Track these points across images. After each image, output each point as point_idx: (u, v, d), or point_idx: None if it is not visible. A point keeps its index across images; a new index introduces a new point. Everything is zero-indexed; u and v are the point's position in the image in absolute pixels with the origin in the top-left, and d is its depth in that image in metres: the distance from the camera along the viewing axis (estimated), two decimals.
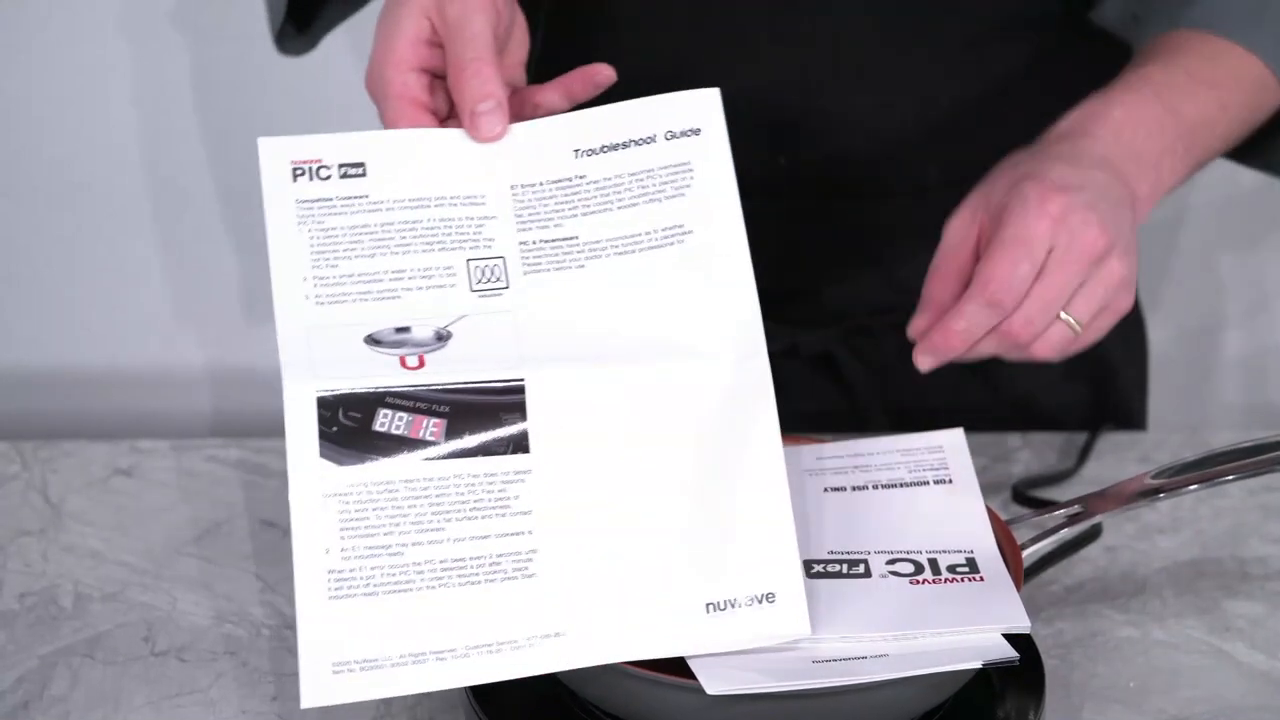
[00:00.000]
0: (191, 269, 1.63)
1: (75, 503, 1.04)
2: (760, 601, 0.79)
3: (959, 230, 0.90)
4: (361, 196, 0.83)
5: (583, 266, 0.83)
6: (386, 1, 0.90)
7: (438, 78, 0.88)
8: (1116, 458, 1.09)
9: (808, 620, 0.78)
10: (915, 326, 0.90)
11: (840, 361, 1.15)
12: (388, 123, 0.88)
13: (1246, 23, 1.01)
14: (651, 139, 0.85)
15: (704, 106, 0.85)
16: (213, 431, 1.63)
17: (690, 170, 0.84)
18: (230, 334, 1.65)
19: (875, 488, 0.89)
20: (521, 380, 0.80)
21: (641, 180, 0.84)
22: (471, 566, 0.78)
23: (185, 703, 0.87)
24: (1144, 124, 0.94)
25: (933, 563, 0.84)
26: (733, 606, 0.79)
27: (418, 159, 0.84)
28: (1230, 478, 0.89)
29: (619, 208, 0.84)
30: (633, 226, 0.83)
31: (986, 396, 1.14)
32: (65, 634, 0.93)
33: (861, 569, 0.84)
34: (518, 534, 0.78)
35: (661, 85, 0.87)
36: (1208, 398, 1.66)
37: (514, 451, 0.79)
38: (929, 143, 1.09)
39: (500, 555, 0.78)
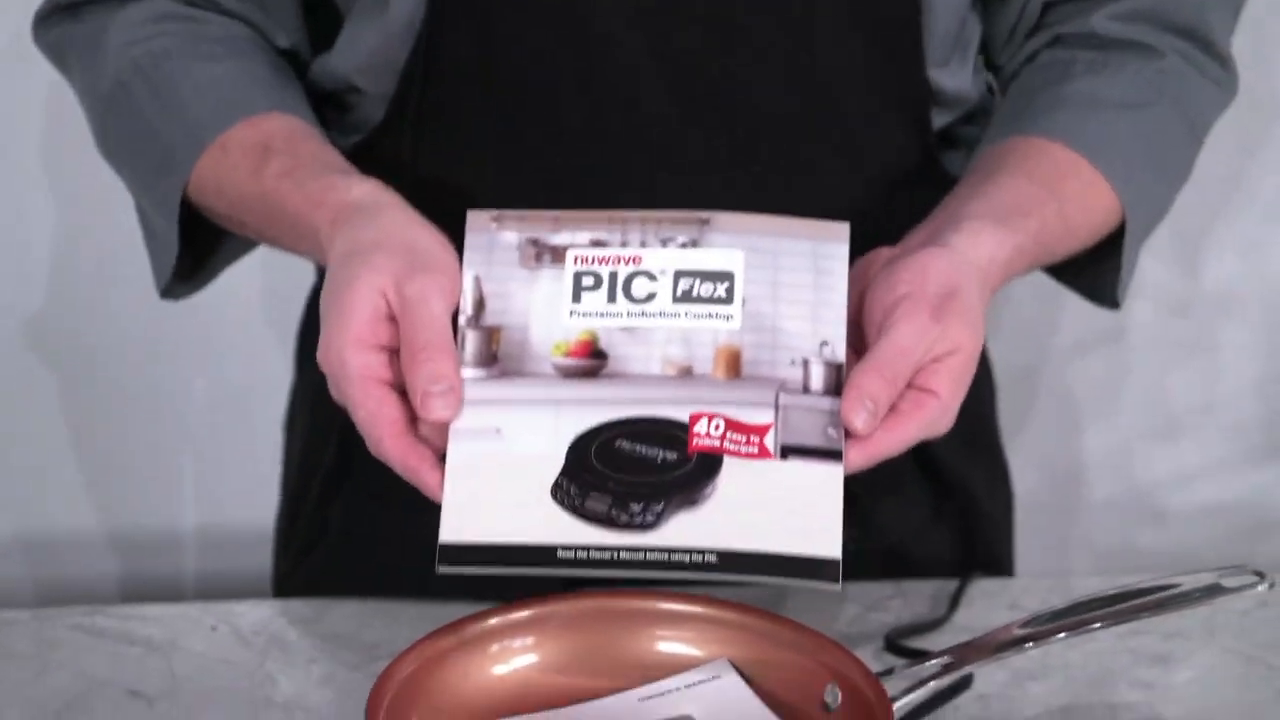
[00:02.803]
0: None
1: None
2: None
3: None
4: None
5: None
6: (333, 275, 0.90)
7: (396, 353, 0.88)
8: (986, 604, 1.10)
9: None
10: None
11: None
12: (353, 404, 0.88)
13: (1101, 146, 1.04)
14: None
15: None
16: (77, 598, 1.60)
17: None
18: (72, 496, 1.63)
19: None
20: None
21: None
22: None
23: None
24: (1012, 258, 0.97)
25: None
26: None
27: None
28: (1097, 625, 0.90)
29: None
30: None
31: (857, 543, 1.15)
32: None
33: None
34: None
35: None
36: (1073, 542, 1.68)
37: None
38: None
39: None
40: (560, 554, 0.85)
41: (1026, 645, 0.90)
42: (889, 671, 0.91)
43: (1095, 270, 1.09)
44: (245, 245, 1.14)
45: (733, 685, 0.92)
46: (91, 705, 0.99)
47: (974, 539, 1.22)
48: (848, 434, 0.87)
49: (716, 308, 0.91)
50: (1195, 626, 1.06)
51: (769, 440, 0.87)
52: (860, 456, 0.87)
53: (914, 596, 1.11)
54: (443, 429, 0.88)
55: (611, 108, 1.03)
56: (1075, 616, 0.91)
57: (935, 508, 1.20)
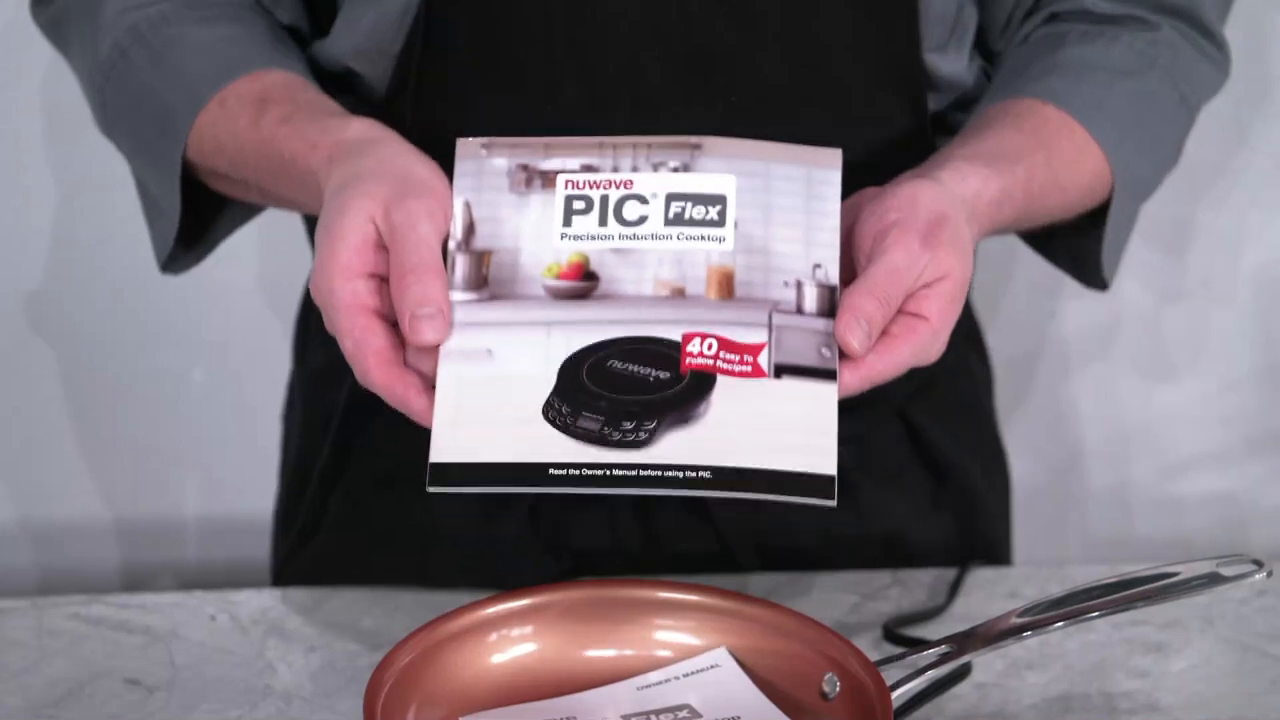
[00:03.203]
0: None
1: None
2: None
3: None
4: None
5: None
6: (325, 206, 0.90)
7: (386, 280, 0.88)
8: (985, 593, 1.10)
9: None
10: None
11: (710, 502, 1.15)
12: (340, 333, 0.87)
13: (1092, 109, 1.05)
14: None
15: None
16: (77, 586, 1.60)
17: None
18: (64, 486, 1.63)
19: None
20: None
21: None
22: None
23: None
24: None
25: None
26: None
27: None
28: (1095, 614, 0.90)
29: None
30: None
31: (855, 531, 1.15)
32: None
33: None
34: None
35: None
36: (1071, 530, 1.68)
37: None
38: None
39: None
40: (552, 472, 0.85)
41: (1024, 634, 0.90)
42: (887, 660, 0.91)
43: (1085, 245, 1.10)
44: (245, 213, 1.13)
45: (731, 674, 0.92)
46: (90, 694, 0.99)
47: (972, 527, 1.22)
48: (842, 355, 0.87)
49: (709, 230, 0.90)
50: (1193, 615, 1.06)
51: (762, 359, 0.87)
52: (855, 379, 0.88)
53: (912, 585, 1.11)
54: (432, 354, 0.87)
55: (610, 81, 1.03)
56: (1073, 605, 0.91)
57: (933, 495, 1.20)
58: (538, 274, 0.90)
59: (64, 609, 1.07)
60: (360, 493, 1.17)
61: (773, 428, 0.85)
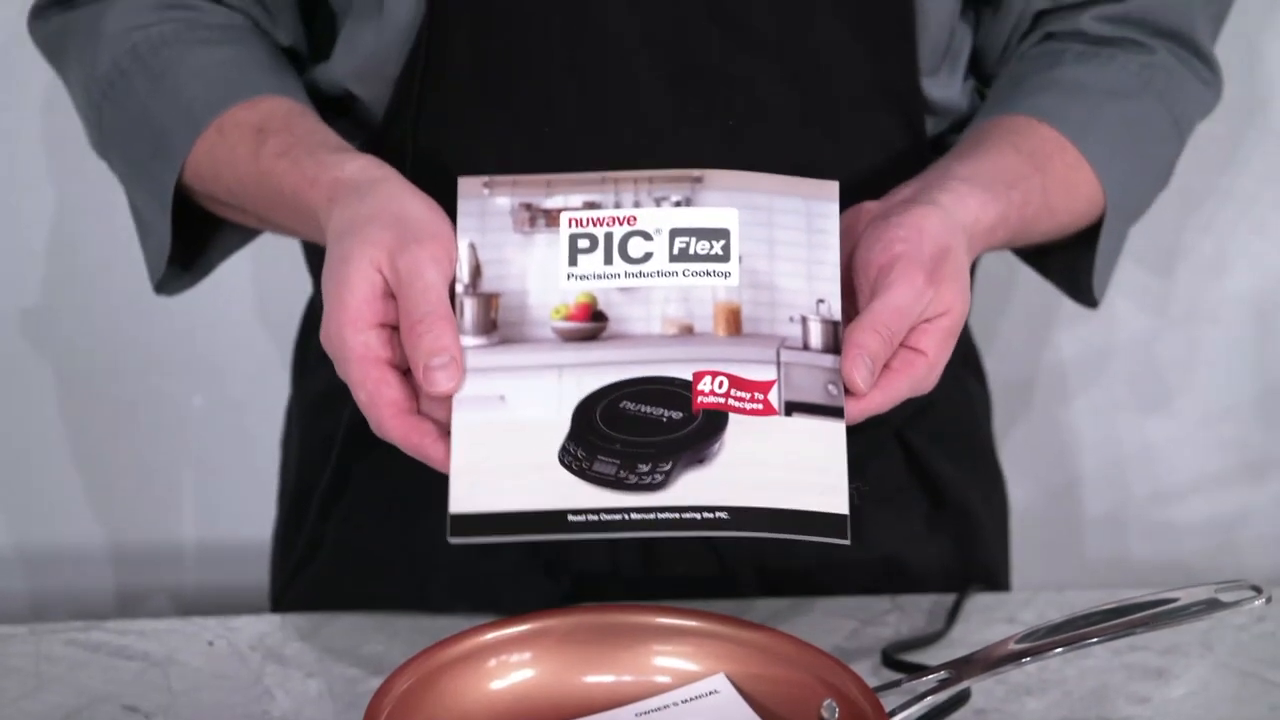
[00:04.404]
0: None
1: None
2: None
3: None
4: None
5: None
6: (329, 254, 0.90)
7: (396, 329, 0.88)
8: (984, 618, 1.10)
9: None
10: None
11: None
12: (353, 384, 0.87)
13: (1085, 130, 1.06)
14: None
15: None
16: (74, 612, 1.60)
17: None
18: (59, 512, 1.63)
19: None
20: None
21: None
22: None
23: None
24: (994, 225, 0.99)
25: None
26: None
27: None
28: (1094, 640, 0.90)
29: None
30: None
31: (853, 554, 1.15)
32: None
33: None
34: None
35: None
36: (1070, 556, 1.68)
37: None
38: None
39: None
40: (571, 518, 0.85)
41: (1024, 660, 0.90)
42: (886, 686, 0.91)
43: (1077, 263, 1.10)
44: (241, 237, 1.13)
45: (730, 700, 0.92)
46: None
47: (970, 550, 1.22)
48: (846, 391, 0.88)
49: (714, 265, 0.91)
50: (1192, 641, 1.06)
51: (773, 397, 0.88)
52: (854, 411, 0.88)
53: (911, 611, 1.11)
54: (446, 401, 0.87)
55: (609, 102, 1.03)
56: (1072, 631, 0.91)
57: (931, 518, 1.20)
58: (546, 315, 0.90)
59: (62, 635, 1.06)
60: (359, 518, 1.17)
61: (785, 466, 0.86)
